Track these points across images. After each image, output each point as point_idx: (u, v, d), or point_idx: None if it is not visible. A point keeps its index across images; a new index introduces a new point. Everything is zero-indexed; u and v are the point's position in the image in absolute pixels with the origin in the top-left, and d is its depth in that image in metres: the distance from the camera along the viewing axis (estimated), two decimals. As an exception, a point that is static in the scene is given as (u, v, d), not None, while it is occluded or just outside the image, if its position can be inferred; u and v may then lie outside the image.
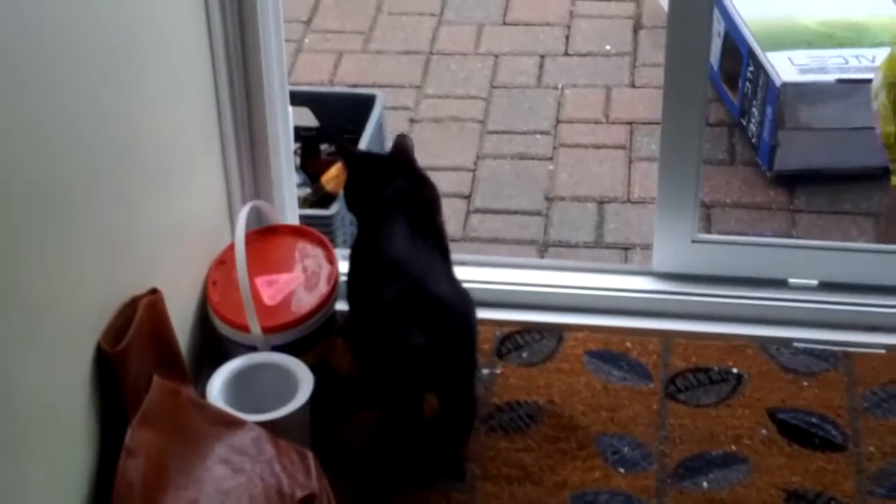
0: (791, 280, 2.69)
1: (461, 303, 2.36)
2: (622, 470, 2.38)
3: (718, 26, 3.41)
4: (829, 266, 2.69)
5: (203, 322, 2.48)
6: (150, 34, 2.19)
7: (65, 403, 1.95)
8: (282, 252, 2.57)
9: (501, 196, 3.24)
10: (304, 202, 2.88)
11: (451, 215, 3.10)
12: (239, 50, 2.50)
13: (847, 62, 3.20)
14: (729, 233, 3.07)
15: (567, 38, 3.82)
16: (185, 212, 2.41)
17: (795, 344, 2.60)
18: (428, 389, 2.35)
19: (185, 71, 2.38)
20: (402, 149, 2.54)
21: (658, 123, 2.63)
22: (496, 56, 3.75)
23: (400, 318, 2.26)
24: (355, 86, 3.57)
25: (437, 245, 2.42)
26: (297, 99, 2.79)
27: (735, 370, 2.56)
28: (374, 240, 2.41)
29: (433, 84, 3.65)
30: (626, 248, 3.06)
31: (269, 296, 2.46)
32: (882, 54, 3.07)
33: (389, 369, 2.29)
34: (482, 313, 2.63)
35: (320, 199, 2.95)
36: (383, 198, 2.44)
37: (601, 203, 3.20)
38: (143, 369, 2.09)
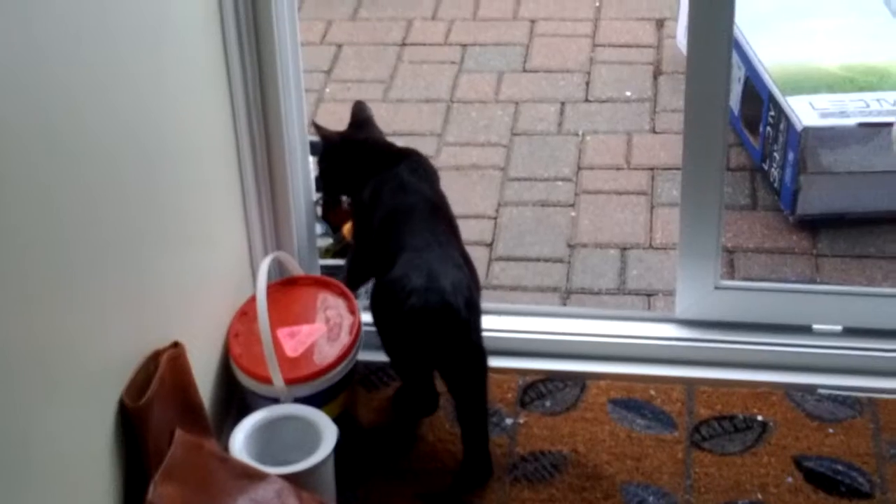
0: (815, 326, 2.67)
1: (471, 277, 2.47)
2: (647, 520, 2.37)
3: (739, 72, 3.41)
4: (853, 311, 2.68)
5: (225, 374, 2.48)
6: (171, 87, 2.20)
7: (87, 458, 1.94)
8: (303, 303, 2.57)
9: (523, 243, 3.23)
10: (326, 252, 2.88)
11: (474, 263, 3.09)
12: (259, 101, 2.51)
13: (868, 106, 3.19)
14: (752, 278, 3.06)
15: (587, 84, 3.82)
16: (206, 264, 2.42)
17: (820, 391, 2.59)
18: (432, 356, 2.41)
19: (204, 123, 2.39)
20: (361, 117, 2.72)
21: (679, 169, 2.63)
22: (517, 103, 3.76)
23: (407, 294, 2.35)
24: (376, 134, 3.57)
25: (445, 222, 2.55)
26: (318, 149, 2.79)
27: (760, 417, 2.54)
28: (391, 222, 2.51)
29: (454, 132, 3.65)
30: (649, 295, 3.05)
31: (291, 347, 2.45)
32: (903, 98, 3.07)
33: (397, 336, 2.40)
34: (505, 362, 2.66)
35: (342, 249, 2.95)
36: (380, 178, 2.57)
37: (623, 249, 3.19)
38: (165, 423, 2.09)
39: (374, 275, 2.54)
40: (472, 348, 2.40)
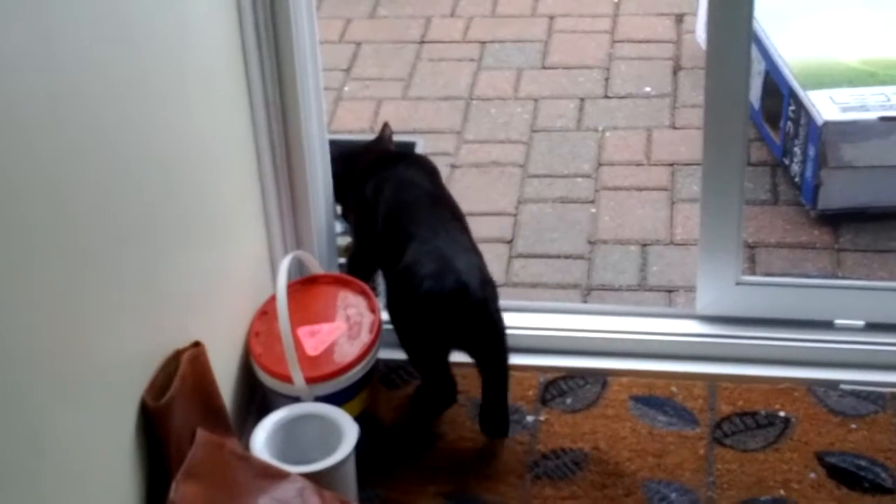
0: (837, 321, 2.66)
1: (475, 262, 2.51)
2: (670, 517, 2.36)
3: (759, 66, 3.40)
4: (875, 306, 2.67)
5: (246, 374, 2.48)
6: (189, 86, 2.20)
7: (108, 458, 1.95)
8: (324, 302, 2.57)
9: (543, 240, 3.23)
10: (346, 251, 2.87)
11: (494, 260, 3.09)
12: (278, 100, 2.51)
13: (889, 100, 3.17)
14: (773, 273, 3.05)
15: (606, 80, 3.81)
16: (226, 263, 2.42)
17: (843, 386, 2.58)
18: (453, 337, 2.46)
19: (223, 123, 2.39)
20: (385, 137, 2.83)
21: (699, 164, 2.62)
22: (536, 100, 3.75)
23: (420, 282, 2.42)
24: (395, 133, 3.57)
25: (450, 209, 2.63)
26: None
27: (782, 413, 2.54)
28: (397, 215, 2.58)
29: (473, 129, 3.65)
30: (670, 291, 3.04)
31: (311, 346, 2.45)
32: (924, 92, 3.05)
33: (415, 321, 2.46)
34: (526, 359, 2.66)
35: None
36: (380, 176, 2.65)
37: (644, 246, 3.18)
38: (186, 423, 2.09)
39: (380, 268, 2.62)
40: (491, 324, 2.46)
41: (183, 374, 2.10)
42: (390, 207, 2.61)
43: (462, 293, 2.40)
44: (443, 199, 2.67)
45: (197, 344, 2.17)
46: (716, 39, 2.46)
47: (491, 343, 2.48)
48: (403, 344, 2.52)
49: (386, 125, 2.86)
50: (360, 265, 2.73)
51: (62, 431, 1.78)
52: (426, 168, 2.75)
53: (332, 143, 2.74)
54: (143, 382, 2.03)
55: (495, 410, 2.52)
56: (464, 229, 2.62)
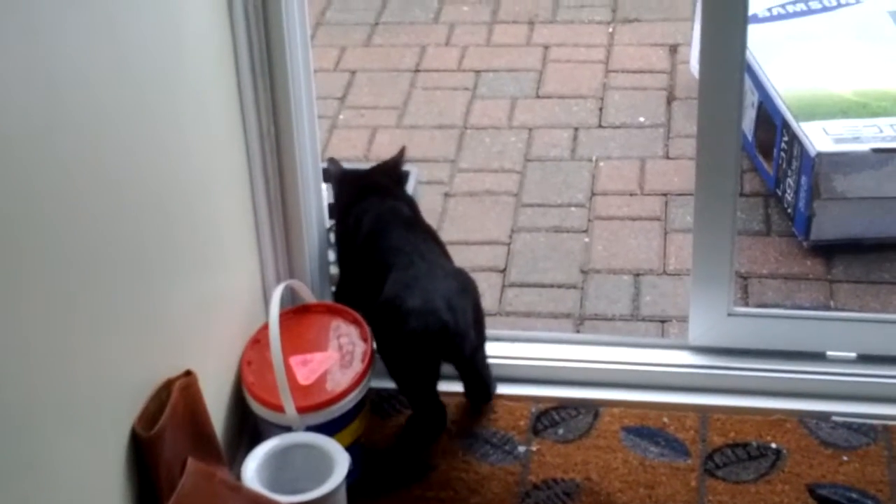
0: (829, 353, 2.66)
1: (460, 283, 2.57)
2: (661, 548, 2.36)
3: (752, 97, 3.41)
4: (867, 338, 2.67)
5: (238, 402, 2.48)
6: (184, 114, 2.21)
7: (99, 487, 1.94)
8: (316, 331, 2.57)
9: (537, 269, 3.23)
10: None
11: (487, 289, 3.10)
12: (271, 129, 2.52)
13: (882, 131, 3.18)
14: (766, 304, 3.05)
15: (601, 110, 3.82)
16: (218, 292, 2.42)
17: (834, 418, 2.58)
18: (437, 367, 2.52)
19: (217, 151, 2.39)
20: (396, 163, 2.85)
21: (693, 194, 2.62)
22: (530, 129, 3.76)
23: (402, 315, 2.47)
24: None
25: (430, 236, 2.70)
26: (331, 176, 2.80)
27: (774, 445, 2.53)
28: (374, 243, 2.63)
29: (467, 158, 3.65)
30: (663, 321, 3.04)
31: (303, 375, 2.45)
32: (917, 123, 3.06)
33: (399, 357, 2.50)
34: (518, 389, 2.66)
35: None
36: (360, 207, 2.70)
37: (637, 275, 3.19)
38: (177, 452, 2.09)
39: (363, 299, 2.61)
40: (473, 359, 2.58)
41: (174, 403, 2.09)
42: (366, 236, 2.65)
43: (442, 335, 2.45)
44: (418, 223, 2.71)
45: (188, 373, 2.17)
46: (708, 70, 2.47)
47: (470, 364, 2.58)
48: (391, 373, 2.54)
49: (403, 149, 2.89)
50: (346, 294, 2.73)
51: (53, 460, 1.77)
52: (404, 198, 2.79)
53: (345, 170, 2.81)
54: (134, 411, 2.03)
55: (478, 389, 2.64)
56: (442, 252, 2.67)
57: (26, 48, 1.66)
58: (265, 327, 2.48)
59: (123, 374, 2.01)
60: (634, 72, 3.99)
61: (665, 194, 3.45)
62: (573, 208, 3.43)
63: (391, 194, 2.77)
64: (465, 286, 2.59)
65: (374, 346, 2.54)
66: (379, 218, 2.68)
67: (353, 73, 4.07)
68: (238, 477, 2.29)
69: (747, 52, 2.47)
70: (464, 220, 3.38)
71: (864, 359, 2.65)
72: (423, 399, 2.54)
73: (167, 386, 2.12)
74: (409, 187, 3.09)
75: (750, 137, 3.45)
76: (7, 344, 1.65)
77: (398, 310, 2.47)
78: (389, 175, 2.82)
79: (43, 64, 1.71)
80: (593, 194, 3.47)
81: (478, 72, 4.05)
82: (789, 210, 3.27)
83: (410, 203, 2.79)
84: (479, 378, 2.63)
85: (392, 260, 2.57)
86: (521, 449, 2.57)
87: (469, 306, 2.54)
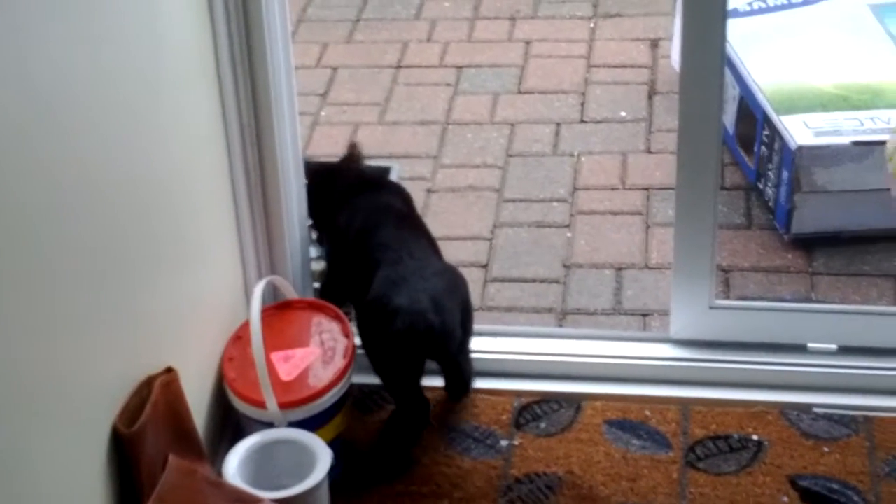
0: (810, 345, 2.67)
1: (449, 281, 2.58)
2: (643, 541, 2.36)
3: (733, 91, 3.42)
4: (848, 330, 2.68)
5: (220, 399, 2.47)
6: (164, 111, 2.21)
7: (79, 485, 1.94)
8: (298, 327, 2.57)
9: (519, 264, 3.23)
10: (320, 276, 2.88)
11: (469, 285, 3.09)
12: (252, 125, 2.51)
13: (862, 124, 3.19)
14: (747, 297, 3.05)
15: (582, 105, 3.82)
16: (200, 289, 2.42)
17: (816, 409, 2.59)
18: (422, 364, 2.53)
19: (197, 147, 2.39)
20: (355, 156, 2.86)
21: (674, 188, 2.63)
22: (512, 125, 3.76)
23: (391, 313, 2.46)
24: (372, 157, 3.58)
25: (421, 233, 2.69)
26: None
27: (755, 437, 2.54)
28: (365, 239, 2.63)
29: (449, 154, 3.66)
30: (645, 315, 3.04)
31: (285, 371, 2.45)
32: (897, 116, 3.07)
33: (385, 355, 2.50)
34: (500, 384, 2.67)
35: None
36: (362, 202, 2.70)
37: (619, 270, 3.19)
38: (158, 449, 2.09)
39: (353, 296, 2.62)
40: (459, 354, 2.59)
41: (155, 400, 2.09)
42: (359, 232, 2.65)
43: (428, 335, 2.45)
44: (410, 220, 2.72)
45: (169, 370, 2.17)
46: (689, 64, 2.48)
47: (456, 363, 2.61)
48: (376, 370, 2.54)
49: (353, 144, 2.88)
50: (332, 291, 2.73)
51: (33, 457, 1.77)
52: (401, 195, 2.79)
53: (306, 163, 2.75)
54: (114, 408, 2.03)
55: (457, 383, 2.66)
56: (433, 249, 2.67)
57: (4, 46, 1.66)
58: (247, 324, 2.48)
59: (104, 370, 2.01)
60: (616, 66, 3.99)
61: (647, 188, 3.46)
62: (555, 203, 3.43)
63: (385, 186, 2.77)
64: (455, 284, 2.59)
65: (359, 342, 2.54)
66: (371, 214, 2.68)
67: (335, 69, 4.07)
68: (220, 473, 2.29)
69: (728, 46, 2.48)
70: (446, 215, 3.38)
71: (845, 350, 2.66)
72: (407, 395, 2.54)
73: (148, 383, 2.12)
74: (392, 183, 3.10)
75: (731, 131, 3.46)
76: (-14, 341, 1.65)
77: (384, 308, 2.46)
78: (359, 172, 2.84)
79: (21, 63, 1.71)
80: (575, 189, 3.48)
81: (459, 67, 4.05)
82: (770, 203, 3.28)
83: (404, 195, 2.80)
84: (460, 373, 2.64)
85: (381, 257, 2.57)
86: (504, 443, 2.57)
87: (457, 305, 2.54)
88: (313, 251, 2.85)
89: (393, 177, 3.12)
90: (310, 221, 2.79)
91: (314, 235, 2.86)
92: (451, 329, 2.48)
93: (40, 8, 1.75)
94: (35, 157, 1.76)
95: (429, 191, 3.49)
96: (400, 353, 2.48)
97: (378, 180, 2.83)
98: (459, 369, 2.63)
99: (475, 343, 2.67)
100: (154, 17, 2.16)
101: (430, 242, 2.69)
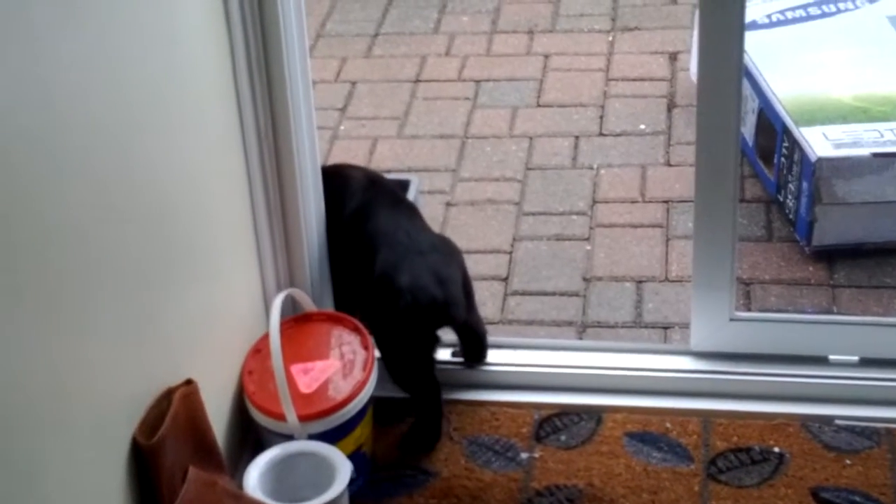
0: (832, 357, 2.66)
1: (445, 252, 2.64)
2: (664, 553, 2.35)
3: (753, 103, 3.41)
4: (869, 342, 2.67)
5: (240, 412, 2.47)
6: (183, 126, 2.21)
7: (99, 497, 1.94)
8: (317, 339, 2.57)
9: (539, 277, 3.23)
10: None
11: (489, 298, 3.10)
12: (271, 139, 2.52)
13: (882, 136, 3.18)
14: (768, 309, 3.05)
15: (601, 118, 3.82)
16: (219, 301, 2.42)
17: (837, 421, 2.57)
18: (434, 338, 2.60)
19: (216, 161, 2.40)
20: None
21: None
22: (531, 138, 3.76)
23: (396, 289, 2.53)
24: (391, 171, 3.58)
25: (412, 214, 2.75)
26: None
27: (777, 449, 2.53)
28: (360, 223, 2.69)
29: (468, 167, 3.66)
30: (666, 328, 3.04)
31: (305, 384, 2.45)
32: (917, 128, 3.06)
33: (393, 333, 2.57)
34: (520, 396, 2.67)
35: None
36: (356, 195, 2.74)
37: (639, 282, 3.18)
38: (178, 461, 2.09)
39: (349, 280, 2.69)
40: (468, 322, 2.66)
41: (175, 411, 2.09)
42: (353, 214, 2.70)
43: (433, 305, 2.52)
44: (401, 201, 2.79)
45: (189, 382, 2.17)
46: (706, 76, 2.47)
47: (468, 327, 2.69)
48: (387, 355, 2.59)
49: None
50: (338, 299, 2.77)
51: (54, 469, 1.77)
52: (385, 185, 2.86)
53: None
54: (134, 420, 2.03)
55: (474, 347, 2.74)
56: (423, 227, 2.73)
57: (21, 57, 1.67)
58: (266, 336, 2.48)
59: (124, 382, 2.01)
60: (634, 80, 3.99)
61: (667, 201, 3.45)
62: (575, 216, 3.43)
63: (368, 186, 2.81)
64: (450, 254, 2.66)
65: (369, 327, 2.58)
66: (364, 196, 2.74)
67: (354, 83, 4.08)
68: (240, 486, 2.29)
69: (747, 59, 2.48)
70: (465, 229, 3.38)
71: (867, 362, 2.65)
72: (420, 380, 2.57)
73: (168, 394, 2.12)
74: (411, 196, 3.10)
75: (751, 143, 3.45)
76: (7, 354, 1.65)
77: (390, 288, 2.52)
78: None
79: (38, 72, 1.71)
80: (595, 202, 3.47)
81: (478, 81, 4.05)
82: (790, 215, 3.27)
83: (391, 188, 2.86)
84: (475, 332, 2.71)
85: (378, 240, 2.61)
86: (524, 455, 2.56)
87: (457, 273, 2.61)
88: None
89: (412, 190, 3.12)
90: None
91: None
92: (455, 297, 2.56)
93: (58, 22, 1.76)
94: (53, 171, 1.76)
95: (448, 204, 3.50)
96: (408, 328, 2.53)
97: (369, 178, 2.86)
98: (472, 329, 2.70)
99: (494, 355, 2.69)
100: (171, 32, 2.16)
101: (413, 213, 2.76)
